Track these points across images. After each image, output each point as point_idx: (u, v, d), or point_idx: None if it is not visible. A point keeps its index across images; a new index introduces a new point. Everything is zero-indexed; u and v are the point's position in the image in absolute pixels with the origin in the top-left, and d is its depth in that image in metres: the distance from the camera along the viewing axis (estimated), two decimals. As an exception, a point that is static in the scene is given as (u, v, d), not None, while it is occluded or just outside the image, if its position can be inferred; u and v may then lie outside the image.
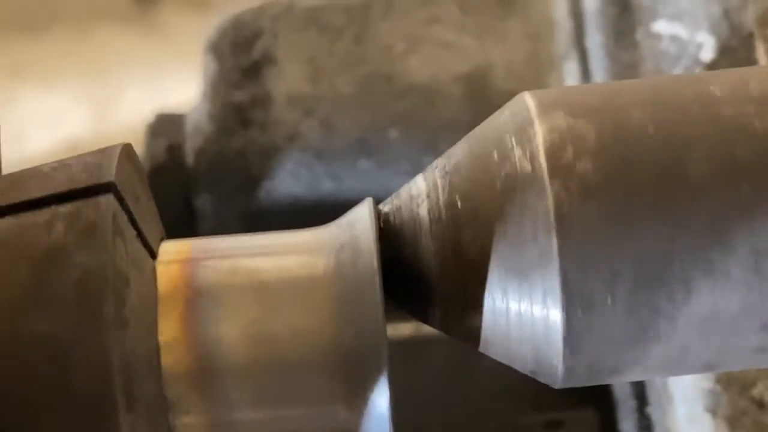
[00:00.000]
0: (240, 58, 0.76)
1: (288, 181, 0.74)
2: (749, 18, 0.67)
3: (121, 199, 0.40)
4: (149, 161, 0.76)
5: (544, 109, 0.41)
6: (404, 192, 0.44)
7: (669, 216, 0.39)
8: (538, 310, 0.40)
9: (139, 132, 0.80)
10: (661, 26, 0.70)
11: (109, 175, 0.40)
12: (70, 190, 0.40)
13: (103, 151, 0.42)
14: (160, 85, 1.63)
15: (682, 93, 0.41)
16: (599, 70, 0.72)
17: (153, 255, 0.42)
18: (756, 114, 0.40)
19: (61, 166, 0.42)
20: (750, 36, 0.67)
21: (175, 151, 0.76)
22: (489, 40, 0.75)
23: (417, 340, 0.76)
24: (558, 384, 0.41)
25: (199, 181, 0.74)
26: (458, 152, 0.43)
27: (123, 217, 0.40)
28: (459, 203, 0.41)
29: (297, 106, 0.74)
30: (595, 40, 0.73)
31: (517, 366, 0.42)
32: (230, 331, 0.41)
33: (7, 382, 0.37)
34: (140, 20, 1.82)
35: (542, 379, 0.42)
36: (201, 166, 0.75)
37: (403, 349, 0.77)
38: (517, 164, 0.41)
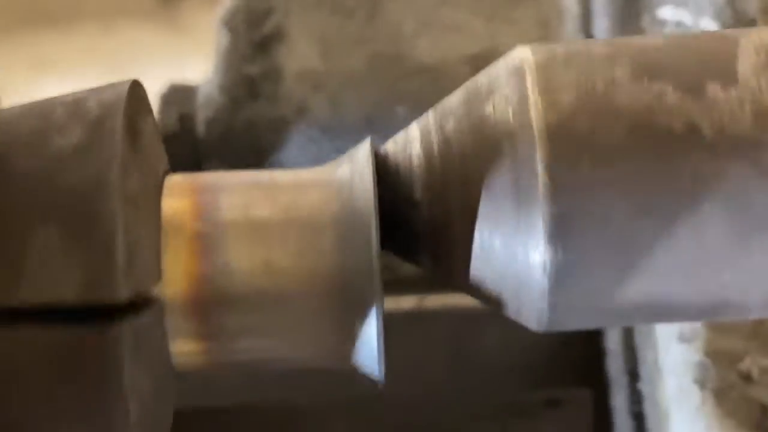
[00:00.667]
0: (252, 33, 0.78)
1: (295, 153, 0.75)
2: (752, 5, 0.68)
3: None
4: (162, 129, 0.77)
5: (539, 62, 0.42)
6: (401, 135, 0.45)
7: (648, 161, 0.40)
8: (521, 252, 0.41)
9: (155, 105, 0.81)
10: (667, 12, 0.71)
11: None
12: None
13: (114, 87, 0.43)
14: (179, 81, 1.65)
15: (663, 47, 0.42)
16: (604, 55, 0.73)
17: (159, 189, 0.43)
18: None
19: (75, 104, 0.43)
20: (752, 23, 0.68)
21: (186, 120, 0.77)
22: (498, 24, 0.77)
23: (419, 315, 0.78)
24: (541, 326, 0.42)
25: (209, 150, 0.76)
26: (452, 99, 0.44)
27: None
28: (449, 147, 0.43)
29: (306, 81, 0.76)
30: (602, 26, 0.74)
31: (502, 309, 0.43)
32: (231, 264, 0.42)
33: None
34: (162, 17, 1.84)
35: (525, 322, 0.43)
36: (211, 136, 0.76)
37: (405, 323, 0.78)
38: (508, 112, 0.42)
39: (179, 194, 0.43)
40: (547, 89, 0.42)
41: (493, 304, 0.44)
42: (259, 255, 0.42)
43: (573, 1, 0.77)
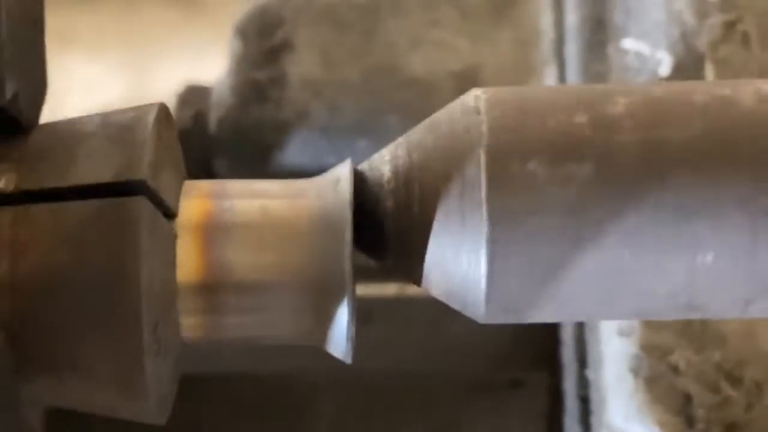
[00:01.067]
0: (263, 42, 0.87)
1: (296, 153, 0.84)
2: (702, 42, 0.77)
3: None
4: (178, 125, 0.86)
5: (489, 97, 0.52)
6: (375, 157, 0.54)
7: (586, 180, 0.49)
8: (465, 260, 0.50)
9: (172, 104, 0.90)
10: (629, 43, 0.80)
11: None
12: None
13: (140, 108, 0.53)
14: (196, 61, 1.72)
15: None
16: (573, 77, 0.82)
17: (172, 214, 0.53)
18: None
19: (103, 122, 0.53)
20: (701, 57, 0.77)
21: (200, 118, 0.86)
22: (481, 44, 0.86)
23: (400, 300, 0.87)
24: (480, 320, 0.52)
25: (219, 146, 0.85)
26: (419, 127, 0.54)
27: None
28: (412, 170, 0.52)
29: (308, 88, 0.85)
30: (572, 50, 0.83)
31: (451, 303, 0.53)
32: (232, 255, 0.52)
33: None
34: (184, -1, 1.92)
35: (469, 315, 0.52)
36: (221, 134, 0.85)
37: (387, 307, 0.87)
38: (461, 139, 0.51)
39: (194, 196, 0.53)
40: (493, 127, 0.51)
41: (442, 298, 0.53)
42: (253, 250, 0.52)
43: (549, 26, 0.86)
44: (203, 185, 0.54)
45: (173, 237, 0.51)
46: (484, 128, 0.50)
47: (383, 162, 0.53)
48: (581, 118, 0.50)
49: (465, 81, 0.85)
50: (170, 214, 0.51)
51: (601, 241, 0.49)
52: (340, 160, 0.88)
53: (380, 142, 0.86)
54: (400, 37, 0.86)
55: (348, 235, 0.51)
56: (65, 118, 0.54)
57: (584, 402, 0.76)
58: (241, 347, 0.87)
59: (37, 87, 0.57)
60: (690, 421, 0.68)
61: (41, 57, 0.57)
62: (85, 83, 1.74)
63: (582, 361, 0.77)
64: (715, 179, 0.48)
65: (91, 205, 0.49)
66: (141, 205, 0.49)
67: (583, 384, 0.76)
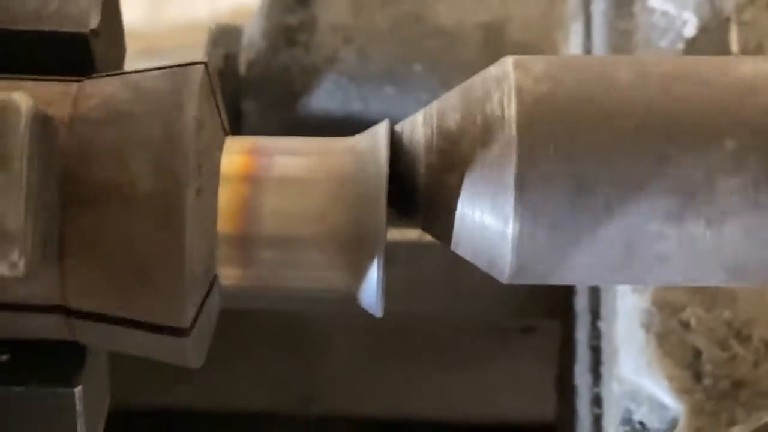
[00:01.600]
0: (294, -14, 0.88)
1: (323, 98, 0.86)
2: (729, 4, 0.79)
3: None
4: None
5: (521, 67, 0.53)
6: (410, 119, 0.56)
7: (611, 158, 0.51)
8: (494, 223, 0.53)
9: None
10: (656, 2, 0.81)
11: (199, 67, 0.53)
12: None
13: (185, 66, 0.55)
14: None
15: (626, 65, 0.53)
16: (599, 34, 0.83)
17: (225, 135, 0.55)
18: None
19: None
20: (727, 20, 0.78)
21: (230, 60, 0.88)
22: (510, -4, 0.87)
23: (421, 245, 0.89)
24: (506, 281, 0.54)
25: (248, 89, 0.87)
26: (451, 93, 0.55)
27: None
28: (444, 132, 0.54)
29: (338, 33, 0.86)
30: (599, 7, 0.84)
31: (476, 263, 0.55)
32: (270, 209, 0.53)
33: None
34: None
35: (494, 275, 0.55)
36: (251, 76, 0.87)
37: (408, 251, 0.89)
38: (493, 106, 0.53)
39: (236, 151, 0.55)
40: (525, 96, 0.53)
41: (469, 258, 0.55)
42: (291, 204, 0.54)
43: (578, -19, 0.87)
44: (245, 141, 0.56)
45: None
46: (516, 97, 0.52)
47: (417, 124, 0.55)
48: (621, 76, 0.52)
49: (492, 32, 0.86)
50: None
51: (629, 210, 0.51)
52: (367, 106, 0.91)
53: (407, 91, 0.88)
54: (429, -14, 0.87)
55: (383, 199, 0.53)
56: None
57: (595, 351, 0.79)
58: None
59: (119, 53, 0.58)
60: (698, 376, 0.70)
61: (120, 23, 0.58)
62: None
63: (595, 313, 0.79)
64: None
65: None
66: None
67: (595, 335, 0.79)
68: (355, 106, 0.85)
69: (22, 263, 0.48)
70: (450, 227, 0.54)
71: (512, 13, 0.86)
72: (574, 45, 0.84)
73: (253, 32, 0.88)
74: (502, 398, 0.96)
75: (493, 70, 0.55)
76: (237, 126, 0.87)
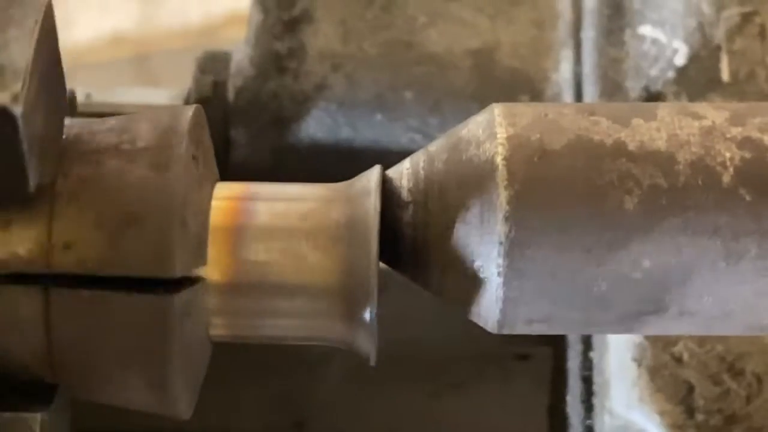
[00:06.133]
0: (282, 13, 0.87)
1: (312, 124, 0.85)
2: (719, 33, 0.78)
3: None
4: (196, 93, 0.87)
5: (508, 116, 0.53)
6: (396, 167, 0.55)
7: (594, 217, 0.51)
8: (480, 278, 0.52)
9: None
10: (646, 30, 0.81)
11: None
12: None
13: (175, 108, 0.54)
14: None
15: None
16: (589, 61, 0.83)
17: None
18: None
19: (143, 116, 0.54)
20: (718, 48, 0.78)
21: (219, 87, 0.87)
22: (500, 22, 0.86)
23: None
24: (494, 332, 0.54)
25: (237, 116, 0.86)
26: (440, 140, 0.55)
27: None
28: (431, 181, 0.53)
29: (327, 60, 0.86)
30: (589, 34, 0.84)
31: (463, 314, 0.54)
32: (262, 259, 0.53)
33: None
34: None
35: (482, 324, 0.54)
36: (239, 103, 0.86)
37: (401, 277, 0.89)
38: (479, 156, 0.52)
39: (225, 199, 0.54)
40: (512, 147, 0.52)
41: (457, 306, 0.55)
42: (282, 252, 0.53)
43: (567, 7, 0.86)
44: (235, 187, 0.55)
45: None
46: (504, 148, 0.52)
47: (403, 174, 0.55)
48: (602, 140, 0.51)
49: (482, 59, 0.86)
50: None
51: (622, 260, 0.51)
52: (357, 133, 0.90)
53: (396, 117, 0.87)
54: (418, 12, 0.87)
55: (374, 247, 0.52)
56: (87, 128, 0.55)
57: (586, 382, 0.78)
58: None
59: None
60: (690, 411, 0.70)
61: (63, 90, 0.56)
62: (94, 5, 1.73)
63: (587, 343, 0.79)
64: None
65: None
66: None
67: (587, 365, 0.78)
68: (344, 132, 0.85)
69: (23, 96, 0.48)
70: (436, 279, 0.54)
71: (502, 40, 0.86)
72: (564, 71, 0.84)
73: (241, 59, 0.87)
74: (496, 424, 0.96)
75: (480, 119, 0.54)
76: (225, 154, 0.86)
